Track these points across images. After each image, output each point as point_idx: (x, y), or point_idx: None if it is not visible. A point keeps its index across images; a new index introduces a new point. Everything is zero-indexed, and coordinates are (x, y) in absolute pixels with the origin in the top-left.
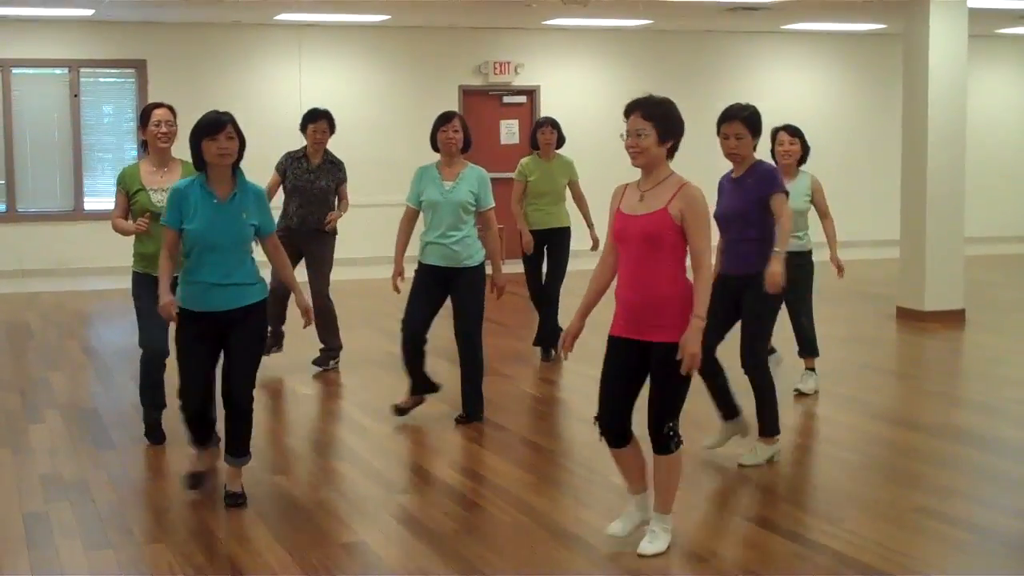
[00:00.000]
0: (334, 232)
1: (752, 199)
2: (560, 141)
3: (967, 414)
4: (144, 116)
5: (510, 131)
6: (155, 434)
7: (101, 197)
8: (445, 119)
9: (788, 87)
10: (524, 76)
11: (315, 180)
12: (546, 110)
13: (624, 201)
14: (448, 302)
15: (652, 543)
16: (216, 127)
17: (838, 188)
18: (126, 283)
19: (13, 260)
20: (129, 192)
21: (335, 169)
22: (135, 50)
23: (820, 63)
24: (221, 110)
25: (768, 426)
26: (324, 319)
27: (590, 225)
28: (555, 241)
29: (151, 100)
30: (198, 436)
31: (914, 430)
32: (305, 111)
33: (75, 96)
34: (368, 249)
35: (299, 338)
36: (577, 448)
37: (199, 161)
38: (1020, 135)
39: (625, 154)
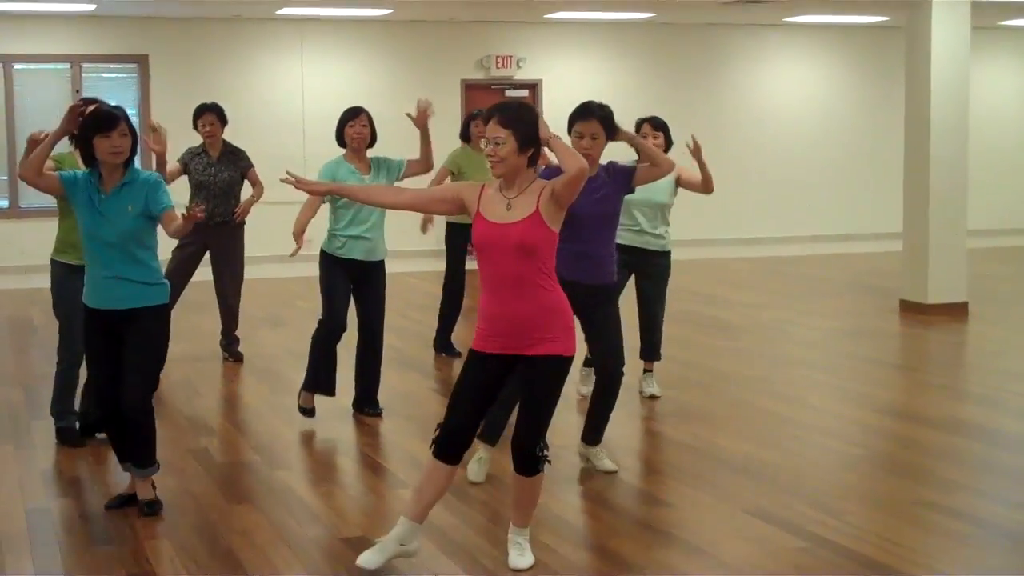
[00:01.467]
0: (242, 224)
1: (614, 196)
2: None
3: (970, 407)
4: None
5: None
6: (73, 437)
7: None
8: (353, 114)
9: (791, 80)
10: (526, 70)
11: (217, 173)
12: (548, 104)
13: (485, 207)
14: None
15: (523, 556)
16: (110, 123)
17: (840, 181)
18: None
19: (16, 255)
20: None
21: (236, 159)
22: (137, 45)
23: (822, 55)
24: (115, 107)
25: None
26: (231, 316)
27: None
28: None
29: (153, 95)
30: (116, 444)
31: (917, 423)
32: (198, 106)
33: (77, 91)
34: None
35: (296, 331)
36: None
37: (88, 158)
38: (1023, 127)
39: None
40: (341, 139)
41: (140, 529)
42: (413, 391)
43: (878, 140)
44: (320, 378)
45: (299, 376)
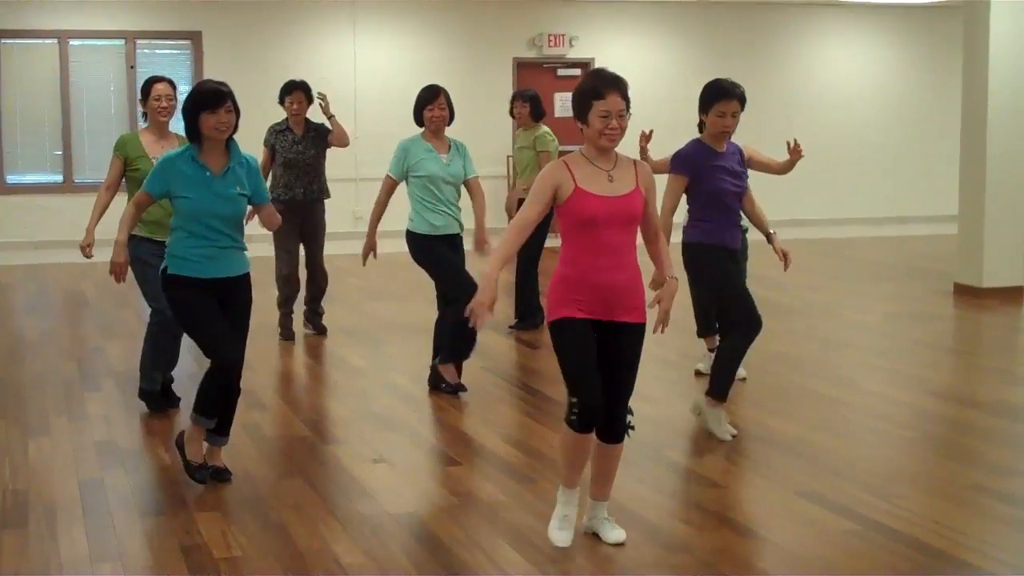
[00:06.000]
0: (323, 201)
1: (744, 175)
2: (537, 115)
3: None
4: (145, 89)
5: (564, 104)
6: (159, 400)
7: None
8: (432, 96)
9: (845, 60)
10: (578, 48)
11: (305, 151)
12: None
13: (584, 181)
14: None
15: (616, 529)
16: (217, 99)
17: (895, 162)
18: None
19: (71, 230)
20: (128, 158)
21: (319, 136)
22: (191, 21)
23: (877, 35)
24: (220, 83)
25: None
26: (319, 288)
27: None
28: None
29: (207, 73)
30: (232, 389)
31: (970, 407)
32: (287, 83)
33: (131, 67)
34: None
35: (346, 307)
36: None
37: (193, 133)
38: None
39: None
40: (419, 120)
41: (191, 501)
42: (463, 370)
43: (934, 121)
44: (467, 347)
45: (351, 351)
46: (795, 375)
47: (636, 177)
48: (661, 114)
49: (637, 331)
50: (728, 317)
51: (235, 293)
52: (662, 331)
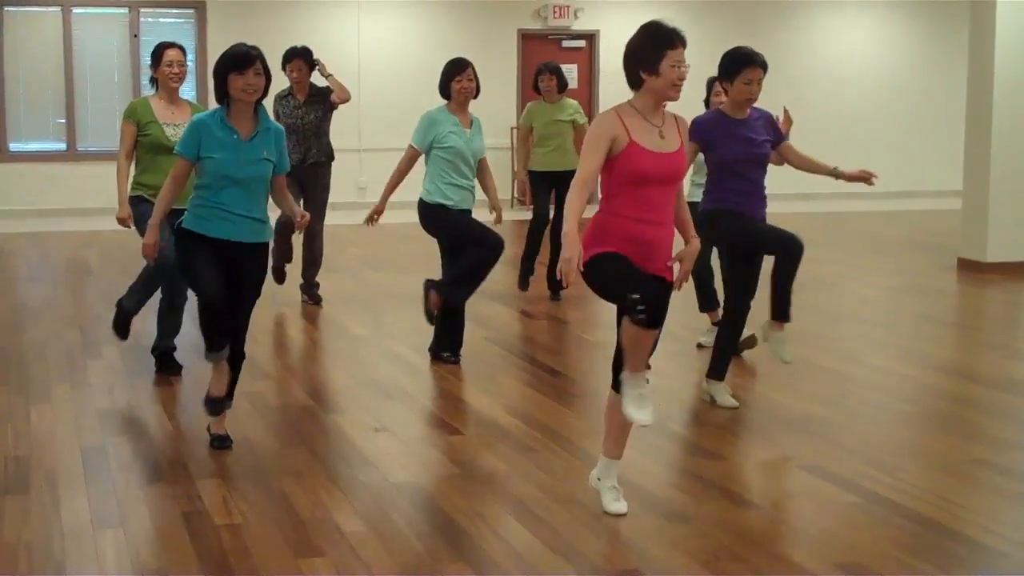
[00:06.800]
0: (329, 164)
1: (768, 143)
2: (562, 86)
3: None
4: (156, 55)
5: (569, 76)
6: (126, 330)
7: None
8: (460, 68)
9: (851, 34)
10: (583, 20)
11: (305, 116)
12: (605, 55)
13: (638, 135)
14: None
15: (621, 501)
16: (245, 62)
17: (900, 137)
18: None
19: (73, 198)
20: (140, 123)
21: (321, 98)
22: None
23: (883, 8)
24: (251, 47)
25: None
26: (314, 256)
27: None
28: (564, 184)
29: (211, 42)
30: (223, 333)
31: (972, 381)
32: (287, 50)
33: (135, 36)
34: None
35: (347, 276)
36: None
37: (222, 95)
38: None
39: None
40: (446, 92)
41: (193, 469)
42: (464, 339)
43: (939, 96)
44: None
45: (353, 320)
46: (798, 348)
47: (680, 134)
48: None
49: (662, 285)
50: (765, 250)
51: (249, 263)
52: (678, 289)
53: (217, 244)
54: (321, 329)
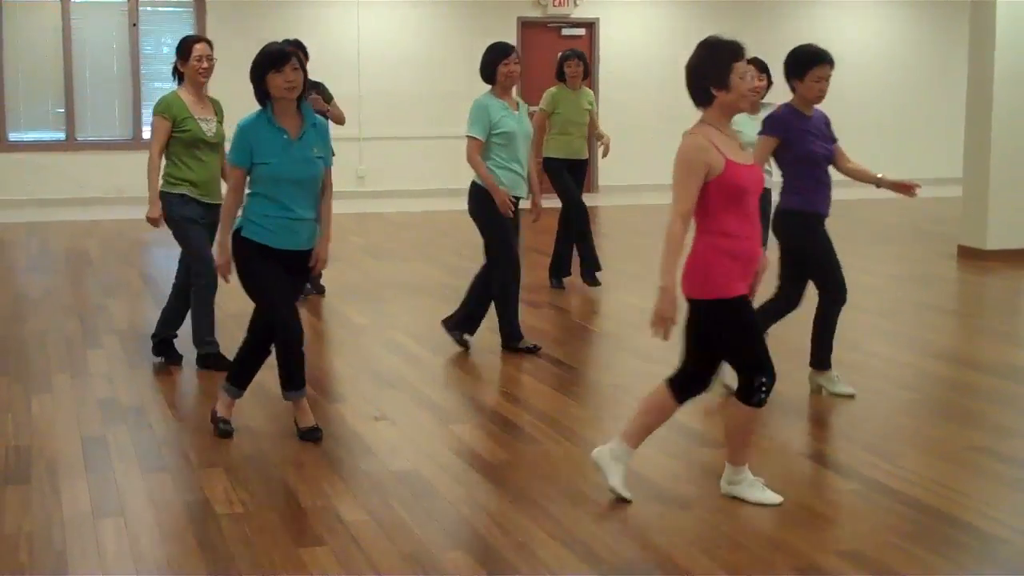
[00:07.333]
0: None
1: (831, 140)
2: (586, 73)
3: None
4: (184, 49)
5: None
6: (221, 360)
7: None
8: (505, 52)
9: (852, 23)
10: (583, 8)
11: None
12: (604, 43)
13: (728, 152)
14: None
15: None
16: (282, 59)
17: (900, 125)
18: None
19: (73, 188)
20: (176, 119)
21: (318, 91)
22: None
23: None
24: (284, 43)
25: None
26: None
27: (607, 138)
28: (578, 171)
29: (209, 32)
30: (302, 367)
31: (972, 369)
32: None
33: (134, 25)
34: (421, 182)
35: (348, 266)
36: (632, 382)
37: (262, 95)
38: None
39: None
40: (491, 77)
41: (194, 458)
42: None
43: (939, 84)
44: (514, 327)
45: (354, 309)
46: (799, 337)
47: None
48: (665, 75)
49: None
50: (817, 282)
51: (301, 264)
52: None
53: (282, 254)
54: (322, 318)
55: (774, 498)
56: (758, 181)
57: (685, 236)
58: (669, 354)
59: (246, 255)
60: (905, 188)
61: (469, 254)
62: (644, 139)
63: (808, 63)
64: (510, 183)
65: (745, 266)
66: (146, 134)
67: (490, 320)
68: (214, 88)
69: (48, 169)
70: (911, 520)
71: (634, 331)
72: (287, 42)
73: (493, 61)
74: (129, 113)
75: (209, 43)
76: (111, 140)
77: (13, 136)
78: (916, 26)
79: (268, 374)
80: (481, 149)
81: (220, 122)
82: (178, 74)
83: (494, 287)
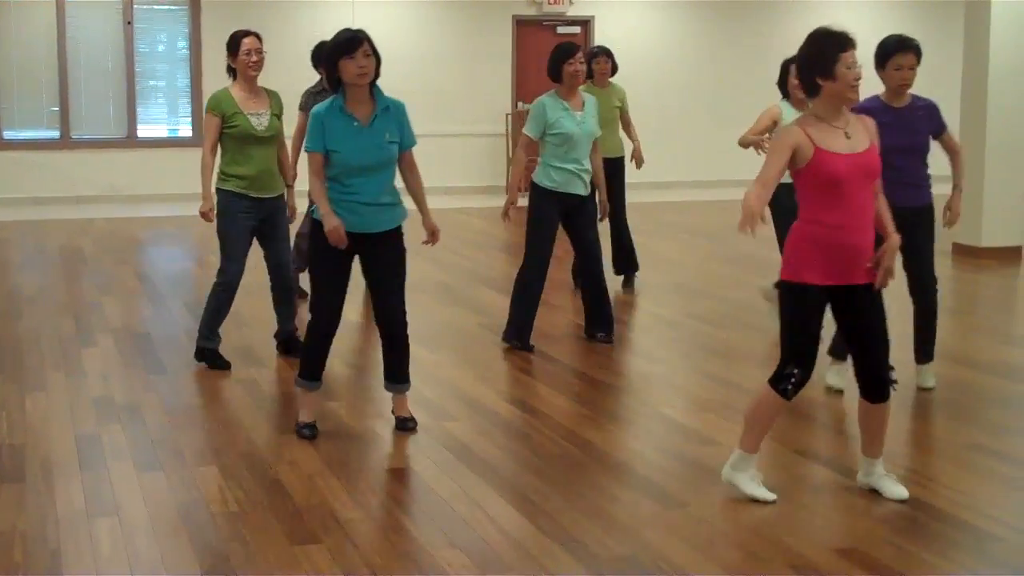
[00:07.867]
0: None
1: (926, 132)
2: (614, 70)
3: (1021, 351)
4: (234, 43)
5: None
6: (218, 358)
7: (154, 125)
8: (570, 52)
9: (849, 20)
10: (578, 6)
11: None
12: (600, 40)
13: (823, 141)
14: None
15: (899, 485)
16: (354, 44)
17: None
18: (179, 210)
19: (68, 186)
20: (225, 115)
21: None
22: None
23: None
24: (356, 30)
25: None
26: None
27: (638, 145)
28: (613, 170)
29: (204, 29)
30: (319, 362)
31: (968, 367)
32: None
33: (128, 23)
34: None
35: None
36: (628, 380)
37: (334, 82)
38: None
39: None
40: (557, 75)
41: (189, 457)
42: (461, 326)
43: (934, 82)
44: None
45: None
46: None
47: (868, 133)
48: (661, 72)
49: (869, 290)
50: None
51: (380, 247)
52: (883, 286)
53: (358, 237)
54: None
55: (767, 495)
56: (862, 171)
57: (762, 199)
58: (669, 354)
59: (320, 239)
60: (952, 217)
61: (467, 253)
62: (639, 136)
63: (888, 52)
64: (564, 181)
65: (832, 257)
66: (141, 132)
67: (486, 315)
68: (213, 85)
69: (43, 167)
70: (907, 518)
71: (634, 331)
72: (347, 31)
73: (559, 60)
74: (124, 111)
75: (258, 36)
76: (106, 138)
77: (8, 134)
78: (912, 25)
79: (257, 371)
80: (530, 146)
81: (277, 115)
82: (232, 70)
83: (517, 281)
